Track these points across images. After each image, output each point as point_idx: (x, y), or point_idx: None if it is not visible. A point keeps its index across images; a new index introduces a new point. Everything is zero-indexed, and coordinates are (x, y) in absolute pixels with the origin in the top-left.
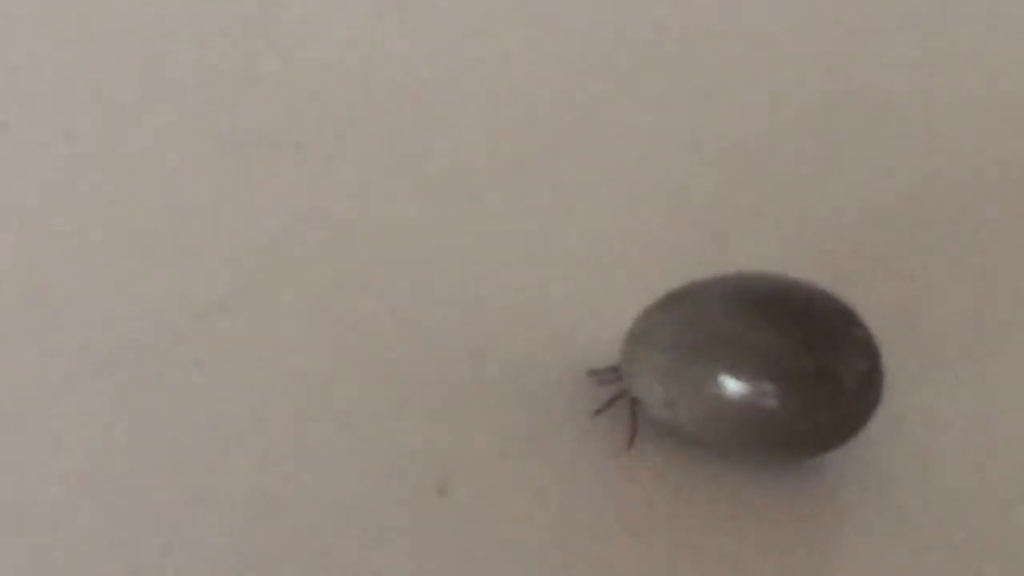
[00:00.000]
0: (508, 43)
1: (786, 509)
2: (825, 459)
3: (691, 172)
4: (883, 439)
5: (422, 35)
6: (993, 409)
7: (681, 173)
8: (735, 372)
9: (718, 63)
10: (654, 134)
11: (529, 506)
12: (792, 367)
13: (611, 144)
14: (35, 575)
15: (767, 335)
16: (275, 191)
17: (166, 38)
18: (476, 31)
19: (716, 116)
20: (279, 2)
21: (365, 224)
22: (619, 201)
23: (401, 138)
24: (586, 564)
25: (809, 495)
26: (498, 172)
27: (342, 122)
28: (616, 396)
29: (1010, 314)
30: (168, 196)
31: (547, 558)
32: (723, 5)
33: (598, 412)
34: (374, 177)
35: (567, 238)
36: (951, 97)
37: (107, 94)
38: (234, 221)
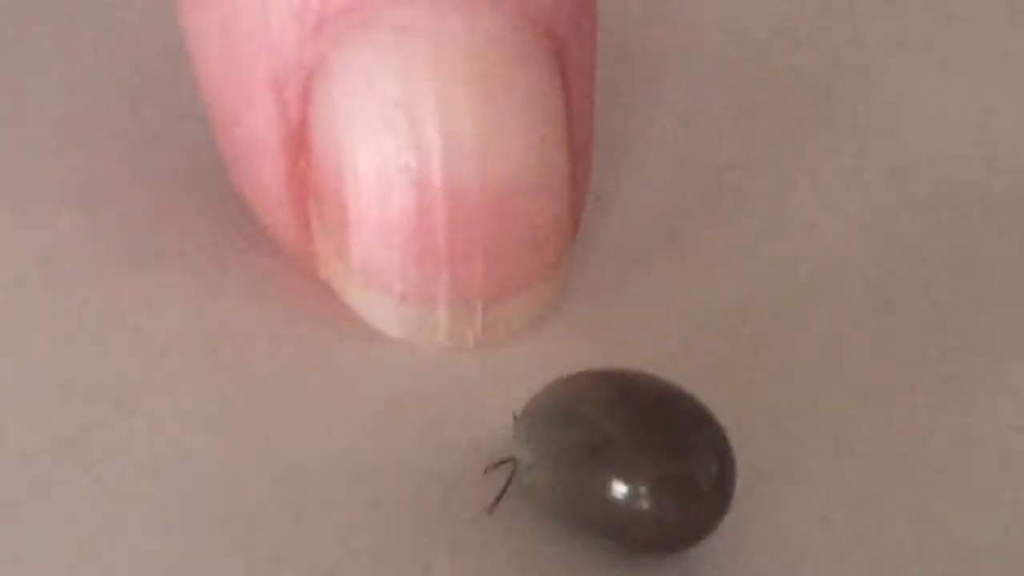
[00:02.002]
0: None
1: None
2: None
3: None
4: (741, 532)
5: None
6: (847, 504)
7: None
8: (585, 457)
9: None
10: None
11: None
12: (642, 466)
13: None
14: None
15: (620, 430)
16: None
17: None
18: None
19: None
20: None
21: None
22: None
23: None
24: None
25: None
26: None
27: None
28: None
29: (859, 410)
30: None
31: None
32: None
33: (492, 467)
34: None
35: None
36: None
37: None
38: None
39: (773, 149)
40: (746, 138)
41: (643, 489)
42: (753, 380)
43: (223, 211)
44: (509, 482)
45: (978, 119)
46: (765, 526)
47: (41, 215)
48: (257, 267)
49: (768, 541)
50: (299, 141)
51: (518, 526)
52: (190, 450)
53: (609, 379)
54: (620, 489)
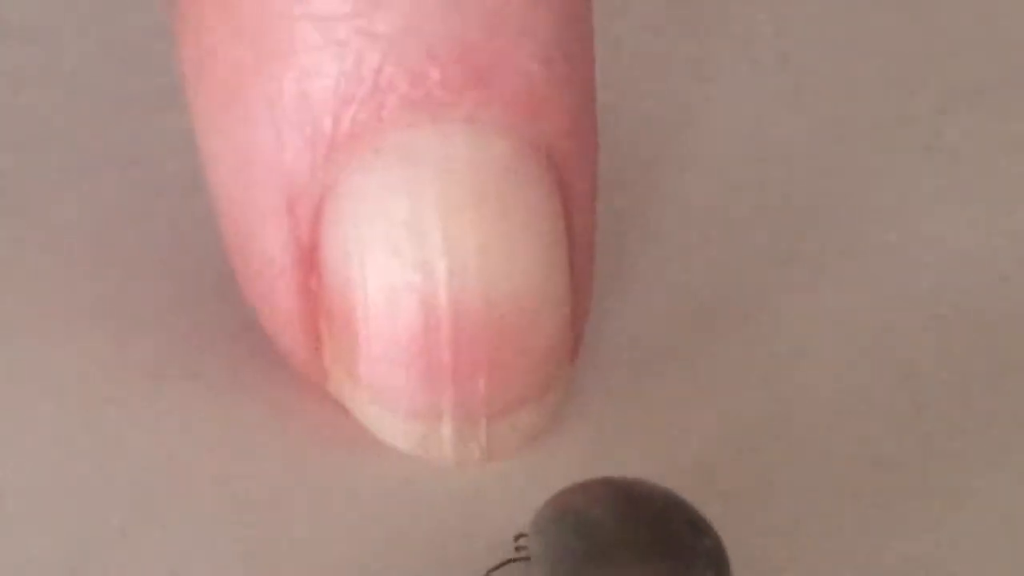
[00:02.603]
0: None
1: None
2: None
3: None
4: None
5: None
6: None
7: None
8: (586, 562)
9: None
10: None
11: None
12: (640, 573)
13: None
14: None
15: (620, 537)
16: None
17: None
18: None
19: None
20: None
21: None
22: None
23: None
24: None
25: None
26: None
27: None
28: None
29: (859, 527)
30: None
31: None
32: None
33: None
34: None
35: None
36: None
37: None
38: None
39: (771, 270)
40: (744, 260)
41: None
42: (749, 491)
43: (233, 327)
44: (508, 561)
45: (975, 242)
46: None
47: (55, 333)
48: (267, 382)
49: None
50: (310, 261)
51: None
52: (205, 563)
53: (614, 486)
54: None
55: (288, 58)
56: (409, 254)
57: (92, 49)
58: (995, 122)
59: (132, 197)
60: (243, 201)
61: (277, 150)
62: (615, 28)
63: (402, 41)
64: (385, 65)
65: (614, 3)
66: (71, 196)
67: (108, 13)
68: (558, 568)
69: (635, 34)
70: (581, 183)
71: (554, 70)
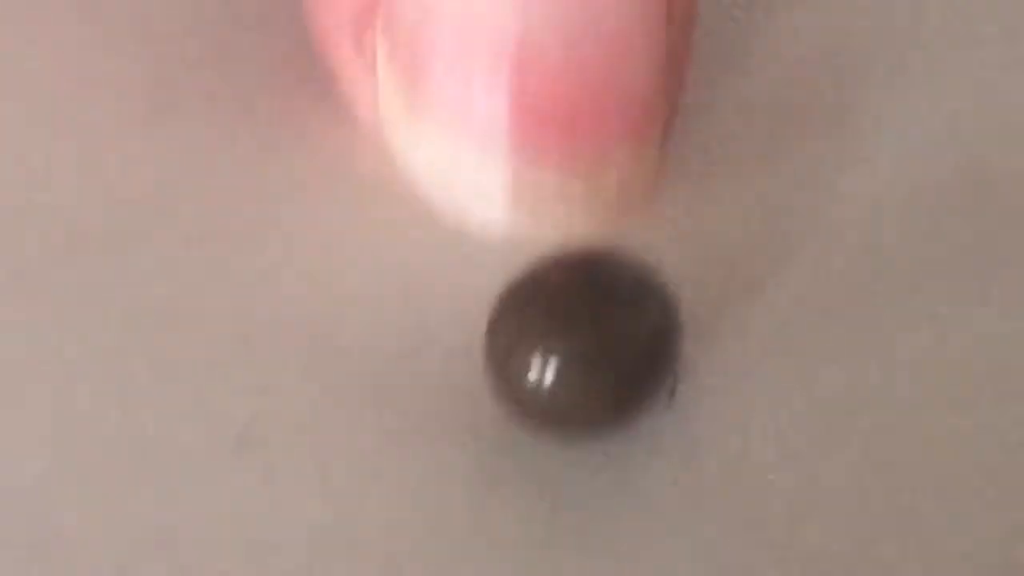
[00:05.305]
0: None
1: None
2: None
3: None
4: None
5: None
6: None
7: None
8: (525, 327)
9: None
10: None
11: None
12: (564, 348)
13: None
14: None
15: (556, 313)
16: None
17: None
18: None
19: None
20: None
21: None
22: None
23: None
24: (390, 528)
25: (604, 471)
26: None
27: None
28: None
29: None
30: None
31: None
32: None
33: None
34: None
35: None
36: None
37: None
38: None
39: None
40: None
41: (556, 367)
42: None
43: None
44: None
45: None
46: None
47: (87, 55)
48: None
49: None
50: None
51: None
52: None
53: (577, 257)
54: (531, 356)
55: None
56: None
57: None
58: None
59: None
60: None
61: None
62: None
63: None
64: None
65: None
66: None
67: None
68: (498, 328)
69: None
70: None
71: None
